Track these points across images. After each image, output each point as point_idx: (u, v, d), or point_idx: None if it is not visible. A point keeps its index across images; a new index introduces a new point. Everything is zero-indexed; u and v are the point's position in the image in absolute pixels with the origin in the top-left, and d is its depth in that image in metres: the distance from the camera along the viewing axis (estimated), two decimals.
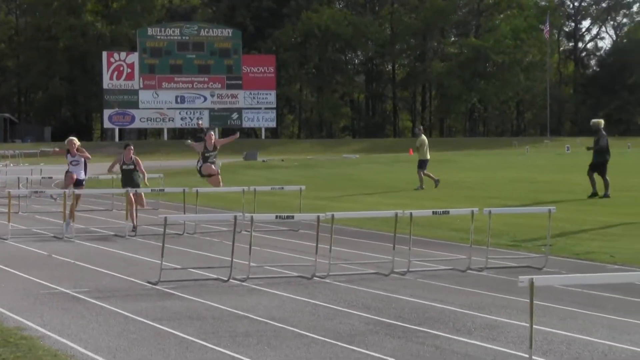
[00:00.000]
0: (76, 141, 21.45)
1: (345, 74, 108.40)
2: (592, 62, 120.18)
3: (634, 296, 11.40)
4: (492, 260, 15.03)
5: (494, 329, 10.12)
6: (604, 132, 27.26)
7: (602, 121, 27.88)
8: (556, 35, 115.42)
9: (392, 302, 11.80)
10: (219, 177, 23.40)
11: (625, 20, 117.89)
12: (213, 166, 23.25)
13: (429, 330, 10.05)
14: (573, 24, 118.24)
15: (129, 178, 20.96)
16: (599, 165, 26.72)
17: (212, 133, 24.16)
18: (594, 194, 26.38)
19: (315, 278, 13.74)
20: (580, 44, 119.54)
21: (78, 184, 21.12)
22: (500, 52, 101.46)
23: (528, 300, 7.73)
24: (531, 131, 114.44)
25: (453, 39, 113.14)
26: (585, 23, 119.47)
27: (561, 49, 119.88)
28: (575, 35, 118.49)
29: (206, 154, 23.18)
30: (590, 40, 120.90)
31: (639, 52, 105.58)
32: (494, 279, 13.78)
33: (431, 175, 31.13)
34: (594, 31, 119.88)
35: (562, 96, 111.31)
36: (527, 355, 7.84)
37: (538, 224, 18.88)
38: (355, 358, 8.85)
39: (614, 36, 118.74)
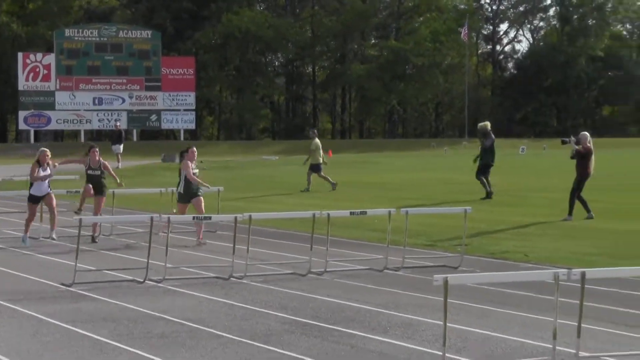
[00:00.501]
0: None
1: (266, 75, 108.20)
2: (510, 64, 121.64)
3: (546, 294, 11.56)
4: (408, 260, 15.13)
5: (409, 327, 10.19)
6: (492, 135, 27.58)
7: (488, 124, 28.17)
8: (475, 38, 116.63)
9: (309, 302, 11.82)
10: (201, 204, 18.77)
11: (541, 23, 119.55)
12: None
13: (344, 330, 10.08)
14: (491, 27, 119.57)
15: (96, 185, 18.92)
16: (486, 166, 26.91)
17: (194, 150, 19.08)
18: (489, 194, 26.57)
19: (232, 279, 13.70)
20: (498, 47, 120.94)
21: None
22: (420, 55, 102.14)
23: (443, 299, 7.79)
24: (450, 133, 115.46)
25: (373, 41, 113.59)
26: (503, 26, 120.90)
27: (479, 51, 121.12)
28: (494, 38, 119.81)
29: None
30: (508, 44, 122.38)
31: (555, 55, 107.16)
32: (410, 278, 13.88)
33: (329, 178, 31.02)
34: (512, 34, 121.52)
35: (480, 98, 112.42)
36: (440, 353, 7.90)
37: (454, 224, 19.06)
38: (271, 358, 8.84)
39: (531, 39, 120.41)
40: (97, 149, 19.13)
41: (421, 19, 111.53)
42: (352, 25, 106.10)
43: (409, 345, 9.31)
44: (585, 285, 8.09)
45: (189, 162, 18.52)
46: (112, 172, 19.36)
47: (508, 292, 12.21)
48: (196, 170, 18.69)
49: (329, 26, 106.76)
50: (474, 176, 27.29)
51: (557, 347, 8.02)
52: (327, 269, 14.35)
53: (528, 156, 65.56)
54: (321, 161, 31.41)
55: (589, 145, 21.74)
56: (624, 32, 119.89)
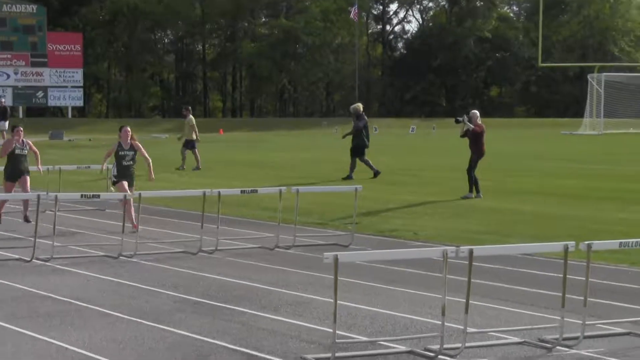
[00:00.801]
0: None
1: (155, 53, 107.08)
2: (400, 45, 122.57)
3: (434, 271, 11.72)
4: (299, 239, 15.18)
5: (300, 305, 10.23)
6: (365, 117, 27.74)
7: (360, 105, 28.32)
8: (365, 18, 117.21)
9: (200, 281, 11.77)
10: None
11: (430, 4, 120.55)
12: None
13: (235, 308, 10.07)
14: (381, 7, 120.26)
15: (19, 164, 17.85)
16: (360, 148, 27.06)
17: (128, 129, 17.67)
18: (377, 172, 26.75)
19: (121, 257, 13.56)
20: (388, 27, 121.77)
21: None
22: (310, 34, 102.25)
23: (333, 277, 7.83)
24: (340, 112, 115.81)
25: (263, 19, 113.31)
26: (393, 6, 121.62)
27: (369, 31, 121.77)
28: (383, 18, 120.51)
29: (121, 153, 17.42)
30: (397, 24, 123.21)
31: (444, 35, 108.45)
32: (301, 257, 13.93)
33: (184, 159, 30.83)
34: (401, 14, 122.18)
35: (370, 78, 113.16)
36: (331, 330, 7.95)
37: (345, 202, 19.16)
38: (161, 336, 8.78)
39: (420, 20, 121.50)
40: (22, 128, 18.26)
41: None
42: (242, 3, 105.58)
43: (300, 323, 9.35)
44: (473, 263, 8.22)
45: (116, 145, 17.44)
46: (35, 149, 18.40)
47: (398, 270, 12.34)
48: (125, 153, 17.29)
49: (219, 4, 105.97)
50: (349, 156, 27.29)
51: (446, 324, 8.14)
52: (218, 248, 14.30)
53: (418, 136, 66.29)
54: (195, 138, 31.25)
55: (480, 123, 22.08)
56: (511, 14, 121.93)
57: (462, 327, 8.20)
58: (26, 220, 17.61)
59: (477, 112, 22.53)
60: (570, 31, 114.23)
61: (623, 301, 10.51)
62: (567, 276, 8.62)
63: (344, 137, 28.64)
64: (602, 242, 9.01)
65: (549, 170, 30.70)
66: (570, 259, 8.77)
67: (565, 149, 46.82)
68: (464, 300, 8.17)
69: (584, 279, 8.58)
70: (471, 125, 21.89)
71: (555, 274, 11.56)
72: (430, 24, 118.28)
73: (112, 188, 17.70)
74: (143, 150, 17.47)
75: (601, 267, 12.57)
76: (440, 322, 8.13)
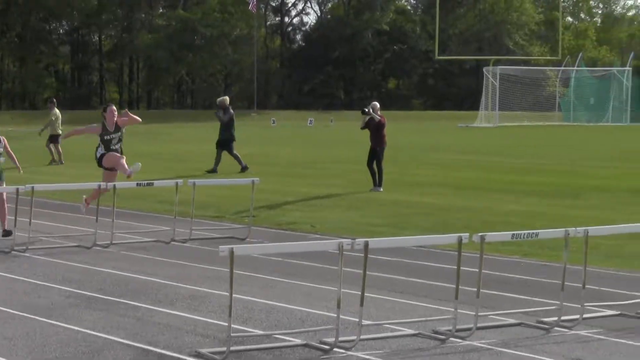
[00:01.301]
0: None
1: (50, 44, 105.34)
2: (298, 37, 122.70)
3: (330, 264, 11.74)
4: (196, 232, 15.09)
5: (196, 299, 10.16)
6: (231, 110, 27.66)
7: (227, 98, 28.28)
8: (263, 10, 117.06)
9: (94, 275, 11.61)
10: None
11: None
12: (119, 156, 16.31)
13: (130, 302, 9.95)
14: None
15: None
16: (227, 142, 26.95)
17: (114, 108, 16.51)
18: (245, 168, 26.51)
19: (13, 252, 13.30)
20: (286, 19, 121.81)
21: None
22: (209, 25, 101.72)
23: (229, 270, 7.80)
24: (239, 104, 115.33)
25: (161, 10, 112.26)
26: None
27: (268, 23, 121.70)
28: (282, 10, 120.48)
29: (106, 137, 16.24)
30: (296, 16, 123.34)
31: (342, 28, 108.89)
32: (198, 250, 13.84)
33: (52, 152, 30.49)
34: (300, 6, 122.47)
35: (269, 70, 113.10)
36: (227, 324, 7.91)
37: (242, 195, 19.10)
38: (54, 332, 8.63)
39: (319, 12, 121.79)
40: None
41: None
42: None
43: (196, 317, 9.28)
44: (369, 255, 8.25)
45: (100, 126, 16.11)
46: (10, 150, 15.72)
47: (294, 263, 12.34)
48: (112, 136, 16.15)
49: None
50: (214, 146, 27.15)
51: (341, 316, 8.16)
52: (113, 242, 14.13)
53: (316, 128, 66.50)
54: (60, 132, 30.82)
55: (381, 115, 22.24)
56: (409, 7, 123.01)
57: (357, 320, 8.24)
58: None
59: (377, 103, 22.68)
60: (467, 24, 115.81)
61: (515, 292, 10.68)
62: (461, 268, 8.72)
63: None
64: (495, 234, 9.14)
65: (446, 162, 31.09)
66: (464, 251, 8.87)
67: (462, 141, 47.48)
68: (360, 293, 8.20)
69: (477, 270, 8.69)
70: (378, 117, 22.01)
71: (450, 266, 11.69)
72: (329, 16, 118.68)
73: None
74: (125, 119, 16.43)
75: (495, 259, 12.76)
76: (335, 315, 8.15)
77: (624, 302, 10.04)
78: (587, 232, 9.11)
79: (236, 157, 26.88)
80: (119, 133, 16.23)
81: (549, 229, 10.00)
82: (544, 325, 9.07)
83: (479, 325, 8.72)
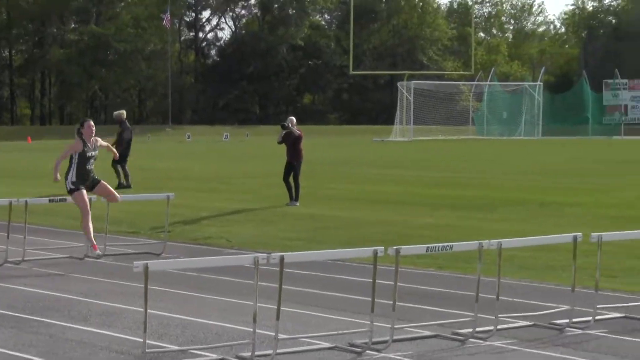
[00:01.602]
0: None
1: None
2: (213, 52, 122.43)
3: (246, 278, 11.68)
4: (110, 248, 14.92)
5: (110, 315, 10.03)
6: (127, 124, 27.37)
7: (124, 112, 27.93)
8: (177, 25, 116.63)
9: (5, 292, 11.40)
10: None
11: (243, 11, 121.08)
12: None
13: (43, 319, 9.79)
14: (194, 14, 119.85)
15: None
16: (124, 157, 26.64)
17: (92, 123, 14.85)
18: (122, 185, 26.11)
19: None
20: (200, 34, 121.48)
21: None
22: (122, 41, 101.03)
23: (143, 286, 7.71)
24: (153, 119, 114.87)
25: (73, 25, 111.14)
26: (206, 13, 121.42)
27: (182, 38, 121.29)
28: (196, 25, 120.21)
29: (88, 154, 14.56)
30: (210, 31, 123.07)
31: (257, 43, 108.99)
32: (112, 266, 13.69)
33: None
34: (214, 22, 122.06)
35: (183, 85, 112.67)
36: (141, 340, 7.82)
37: (157, 210, 18.96)
38: None
39: (233, 27, 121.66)
40: None
41: (122, 4, 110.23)
42: (51, 8, 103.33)
43: (110, 333, 9.16)
44: (285, 269, 8.23)
45: (80, 142, 14.56)
46: None
47: (210, 278, 12.27)
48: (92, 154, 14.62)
49: (25, 8, 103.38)
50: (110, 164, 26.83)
51: (258, 331, 8.13)
52: (25, 258, 13.89)
53: (231, 143, 66.40)
54: None
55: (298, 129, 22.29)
56: (323, 22, 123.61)
57: (273, 334, 8.21)
58: None
59: (294, 118, 22.73)
60: (381, 39, 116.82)
61: (430, 304, 10.75)
62: (377, 281, 8.74)
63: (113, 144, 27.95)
64: (410, 247, 9.18)
65: (362, 176, 31.25)
66: (380, 264, 8.89)
67: (377, 155, 47.80)
68: (276, 307, 8.17)
69: (393, 283, 8.72)
70: (297, 131, 22.04)
71: (365, 279, 11.71)
72: (243, 32, 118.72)
73: (67, 198, 14.77)
74: (103, 143, 15.07)
75: (410, 272, 12.83)
76: (252, 329, 8.11)
77: (537, 313, 10.16)
78: (501, 245, 9.21)
79: (118, 172, 26.38)
80: (97, 152, 14.72)
81: (463, 241, 10.08)
82: (459, 336, 9.14)
83: (395, 337, 8.75)
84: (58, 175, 14.83)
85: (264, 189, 25.50)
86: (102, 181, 14.86)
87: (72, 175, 14.41)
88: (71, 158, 14.57)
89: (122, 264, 13.71)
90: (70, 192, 14.45)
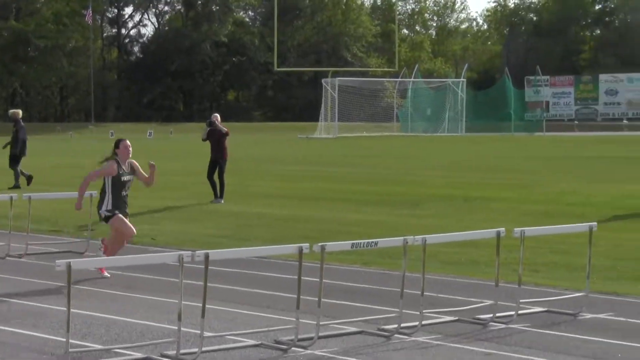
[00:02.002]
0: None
1: None
2: (136, 48, 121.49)
3: (171, 276, 11.61)
4: (32, 247, 14.71)
5: (32, 315, 9.88)
6: (22, 124, 26.96)
7: (19, 112, 27.48)
8: (99, 21, 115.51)
9: None
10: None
11: (166, 8, 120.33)
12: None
13: None
14: (116, 10, 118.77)
15: None
16: (19, 157, 26.29)
17: (128, 143, 12.93)
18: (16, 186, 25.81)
19: None
20: (123, 31, 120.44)
21: None
22: (42, 37, 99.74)
23: (66, 284, 7.61)
24: (75, 117, 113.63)
25: None
26: (128, 10, 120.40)
27: (105, 35, 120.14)
28: (119, 21, 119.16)
29: (123, 179, 12.70)
30: (133, 27, 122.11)
31: (181, 40, 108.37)
32: (34, 265, 13.50)
33: None
34: (137, 18, 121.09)
35: (106, 82, 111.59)
36: (64, 340, 7.71)
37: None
38: None
39: (156, 24, 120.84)
40: None
41: (42, 0, 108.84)
42: None
43: (33, 333, 9.03)
44: (210, 267, 8.19)
45: (115, 163, 12.61)
46: None
47: (135, 276, 12.16)
48: (128, 178, 12.74)
49: None
50: (8, 166, 26.46)
51: (183, 329, 8.07)
52: None
53: (156, 140, 65.98)
54: None
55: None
56: (247, 19, 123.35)
57: (199, 332, 8.16)
58: None
59: (218, 115, 22.66)
60: (305, 36, 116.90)
61: (356, 301, 10.77)
62: (303, 278, 8.74)
63: (4, 147, 27.56)
64: (335, 244, 9.19)
65: (287, 173, 31.24)
66: (306, 261, 8.89)
67: (302, 152, 47.83)
68: (201, 305, 8.12)
69: (318, 280, 8.72)
70: (224, 128, 21.96)
71: (291, 276, 11.70)
72: (166, 28, 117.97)
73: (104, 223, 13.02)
74: (141, 169, 13.03)
75: (336, 268, 12.85)
76: (177, 328, 8.05)
77: (461, 308, 10.25)
78: (425, 241, 9.26)
79: (16, 172, 26.03)
80: (132, 176, 12.81)
81: (388, 237, 10.12)
82: (384, 332, 9.17)
83: (320, 334, 8.75)
84: (82, 203, 12.93)
85: (189, 187, 25.36)
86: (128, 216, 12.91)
87: (108, 204, 12.54)
88: (103, 184, 12.64)
89: (44, 263, 13.52)
90: (106, 219, 12.61)
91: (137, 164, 12.83)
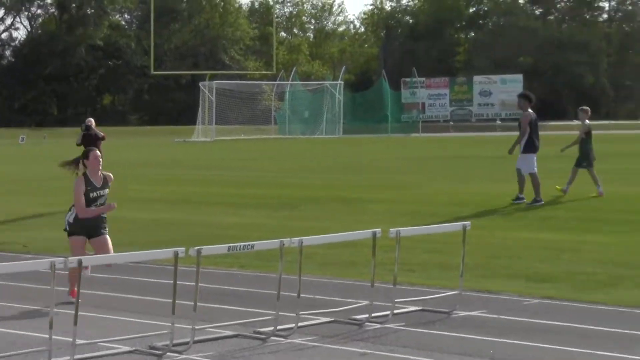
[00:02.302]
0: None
1: None
2: (8, 52, 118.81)
3: (42, 284, 11.33)
4: None
5: None
6: None
7: None
8: None
9: None
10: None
11: (39, 11, 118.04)
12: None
13: None
14: None
15: None
16: None
17: (98, 153, 11.55)
18: None
19: None
20: None
21: None
22: None
23: None
24: None
25: None
26: (0, 13, 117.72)
27: None
28: None
29: (92, 195, 11.30)
30: (4, 31, 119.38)
31: (54, 43, 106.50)
32: None
33: None
34: (8, 21, 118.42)
35: None
36: None
37: None
38: None
39: (29, 27, 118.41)
40: None
41: None
42: None
43: None
44: (83, 273, 8.04)
45: (82, 180, 11.30)
46: None
47: (4, 285, 11.86)
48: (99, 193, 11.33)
49: None
50: None
51: (55, 337, 7.91)
52: None
53: (28, 145, 64.68)
54: None
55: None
56: (123, 22, 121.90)
57: (71, 340, 8.00)
58: None
59: (92, 119, 22.33)
60: (182, 39, 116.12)
61: (232, 304, 10.73)
62: (179, 282, 8.66)
63: None
64: (211, 247, 9.12)
65: (164, 177, 30.96)
66: (182, 265, 8.81)
67: (180, 156, 47.47)
68: (73, 312, 7.97)
69: (194, 284, 8.65)
70: (100, 132, 21.63)
71: (167, 281, 11.58)
72: (40, 32, 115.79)
73: None
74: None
75: (212, 272, 12.77)
76: (48, 336, 7.88)
77: (338, 309, 10.29)
78: (302, 242, 9.28)
79: None
80: (106, 191, 11.42)
81: (266, 240, 10.10)
82: (260, 335, 9.15)
83: (196, 338, 8.68)
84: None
85: (62, 192, 24.88)
86: (107, 235, 11.35)
87: (71, 216, 11.40)
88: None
89: None
90: (67, 233, 11.47)
91: (112, 177, 11.53)
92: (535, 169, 20.54)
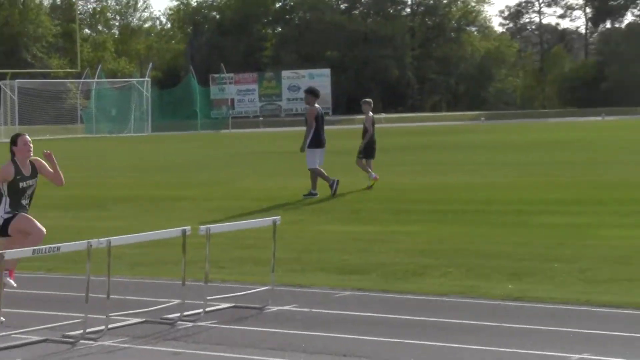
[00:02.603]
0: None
1: None
2: None
3: None
4: None
5: None
6: None
7: None
8: None
9: None
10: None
11: None
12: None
13: None
14: None
15: None
16: None
17: (28, 138, 11.31)
18: None
19: None
20: None
21: None
22: None
23: None
24: None
25: None
26: None
27: None
28: None
29: (21, 185, 10.92)
30: None
31: None
32: None
33: None
34: None
35: None
36: None
37: None
38: None
39: None
40: None
41: None
42: None
43: None
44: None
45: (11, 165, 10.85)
46: None
47: None
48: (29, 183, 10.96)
49: None
50: None
51: None
52: None
53: None
54: None
55: None
56: None
57: None
58: None
59: None
60: None
61: (39, 309, 10.44)
62: None
63: None
64: (13, 251, 8.89)
65: None
66: None
67: None
68: None
69: None
70: None
71: None
72: None
73: None
74: (48, 167, 11.31)
75: (18, 276, 12.35)
76: None
77: (149, 309, 10.15)
78: (110, 243, 9.12)
79: None
80: (35, 180, 11.00)
81: (72, 241, 9.85)
82: (69, 339, 8.94)
83: (4, 345, 8.41)
84: None
85: None
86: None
87: (6, 206, 10.72)
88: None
89: None
90: (5, 225, 10.73)
91: (42, 162, 11.06)
92: (317, 164, 20.94)
